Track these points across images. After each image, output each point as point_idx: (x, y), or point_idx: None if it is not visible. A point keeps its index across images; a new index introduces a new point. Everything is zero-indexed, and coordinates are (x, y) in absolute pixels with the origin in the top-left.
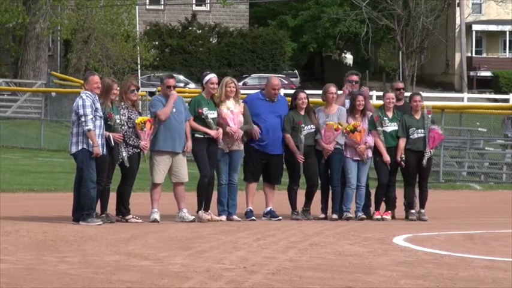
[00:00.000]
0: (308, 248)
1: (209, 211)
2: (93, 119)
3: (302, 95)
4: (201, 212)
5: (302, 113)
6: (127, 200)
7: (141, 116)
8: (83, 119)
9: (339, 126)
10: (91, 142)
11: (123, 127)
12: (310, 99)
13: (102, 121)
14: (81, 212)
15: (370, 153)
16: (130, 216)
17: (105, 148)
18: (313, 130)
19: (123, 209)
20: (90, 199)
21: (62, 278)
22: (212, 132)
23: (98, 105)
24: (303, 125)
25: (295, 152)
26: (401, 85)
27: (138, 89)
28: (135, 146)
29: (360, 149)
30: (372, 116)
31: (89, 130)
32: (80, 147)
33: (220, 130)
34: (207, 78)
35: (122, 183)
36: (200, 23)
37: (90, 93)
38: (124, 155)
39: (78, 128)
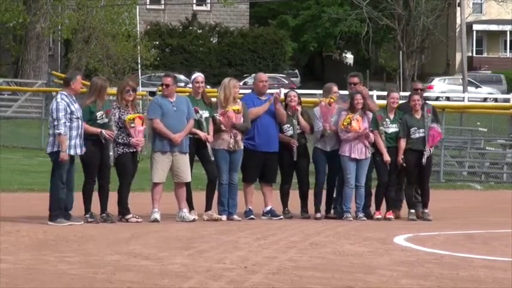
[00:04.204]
0: (308, 247)
1: (211, 210)
2: (66, 122)
3: (291, 93)
4: (210, 212)
5: (289, 112)
6: (124, 199)
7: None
8: (55, 123)
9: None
10: (72, 143)
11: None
12: (310, 99)
13: (80, 122)
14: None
15: (369, 152)
16: (130, 215)
17: (81, 148)
18: (291, 132)
19: (122, 209)
20: (58, 200)
21: (62, 277)
22: (201, 134)
23: (75, 106)
24: (288, 125)
25: (289, 140)
26: (420, 85)
27: (134, 90)
28: (125, 144)
29: (363, 132)
30: (375, 115)
31: (59, 134)
32: (54, 149)
33: (211, 134)
34: (192, 77)
35: (119, 183)
36: (201, 22)
37: (66, 94)
38: (111, 154)
39: (54, 129)
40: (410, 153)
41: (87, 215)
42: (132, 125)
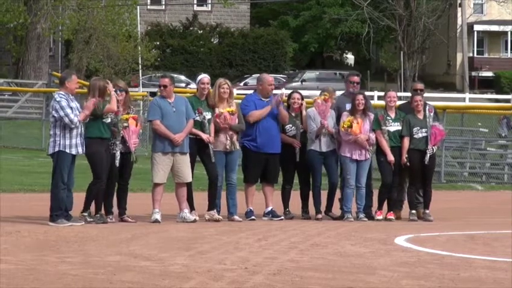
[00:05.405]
0: (309, 248)
1: (214, 210)
2: (75, 114)
3: (295, 95)
4: (212, 212)
5: (293, 113)
6: (106, 199)
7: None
8: (66, 120)
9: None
10: (73, 142)
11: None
12: (311, 100)
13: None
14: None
15: (370, 153)
16: (110, 215)
17: (82, 147)
18: (294, 132)
19: (109, 209)
20: (59, 200)
21: (63, 278)
22: (204, 136)
23: (74, 104)
24: (290, 125)
25: (292, 141)
26: (419, 86)
27: (122, 89)
28: (111, 145)
29: (361, 138)
30: (377, 115)
31: (78, 121)
32: (56, 149)
33: (212, 135)
34: (198, 78)
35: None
36: (201, 23)
37: (62, 93)
38: (117, 153)
39: (55, 130)
40: (413, 153)
41: (85, 214)
42: (125, 124)
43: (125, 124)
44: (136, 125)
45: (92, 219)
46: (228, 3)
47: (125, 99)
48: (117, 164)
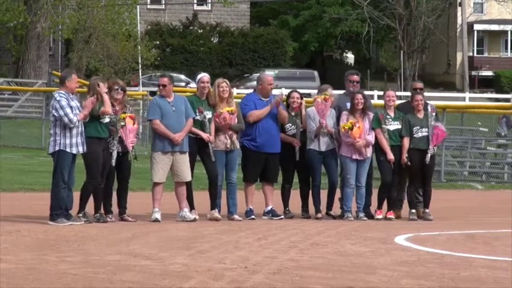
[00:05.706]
0: (309, 247)
1: (215, 210)
2: (75, 113)
3: (294, 94)
4: (213, 211)
5: (292, 113)
6: (105, 199)
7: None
8: (66, 120)
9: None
10: (73, 142)
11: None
12: (311, 99)
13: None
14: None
15: (369, 153)
16: (109, 215)
17: (83, 147)
18: (294, 131)
19: (108, 208)
20: (59, 200)
21: (63, 277)
22: (204, 135)
23: (74, 103)
24: (289, 124)
25: (291, 140)
26: (419, 85)
27: (122, 89)
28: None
29: (359, 144)
30: (377, 114)
31: (77, 121)
32: (56, 148)
33: (212, 134)
34: (198, 77)
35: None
36: (201, 22)
37: (63, 92)
38: (114, 153)
39: (55, 129)
40: (413, 152)
41: (80, 214)
42: (122, 123)
43: (122, 123)
44: (134, 124)
45: (86, 220)
46: (228, 3)
47: (122, 98)
48: (113, 163)
